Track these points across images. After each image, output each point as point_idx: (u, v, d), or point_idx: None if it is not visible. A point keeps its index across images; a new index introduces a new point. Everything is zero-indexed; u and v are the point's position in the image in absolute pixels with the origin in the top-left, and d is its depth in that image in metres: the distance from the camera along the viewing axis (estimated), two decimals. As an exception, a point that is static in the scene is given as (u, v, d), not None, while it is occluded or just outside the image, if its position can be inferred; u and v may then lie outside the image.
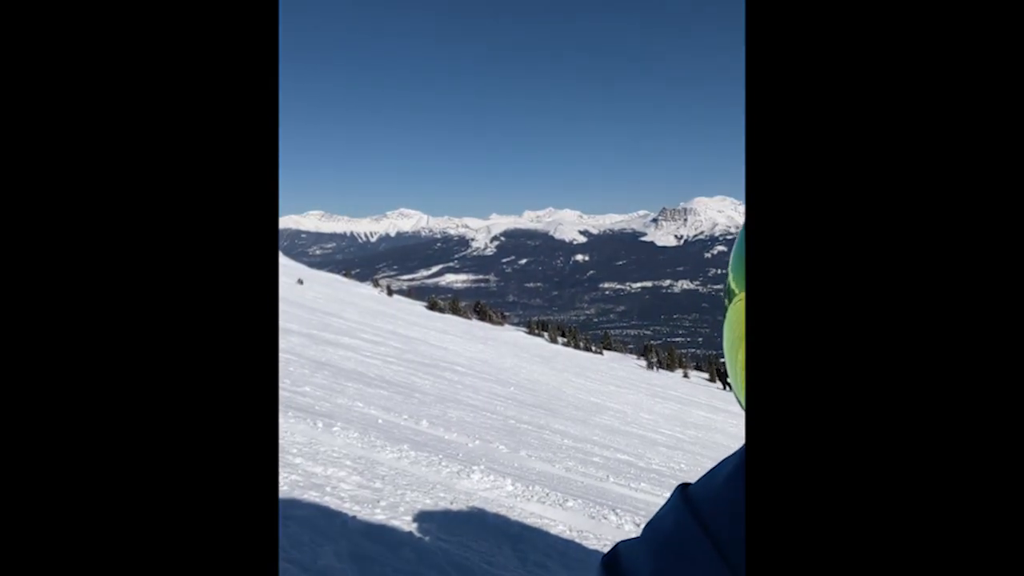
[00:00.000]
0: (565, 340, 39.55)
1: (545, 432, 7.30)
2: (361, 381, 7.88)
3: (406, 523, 3.12)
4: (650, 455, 7.45)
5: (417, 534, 3.02)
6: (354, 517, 3.04)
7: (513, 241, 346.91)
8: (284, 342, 9.76)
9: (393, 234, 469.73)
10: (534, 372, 16.52)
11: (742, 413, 0.47)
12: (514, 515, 3.64)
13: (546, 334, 40.18)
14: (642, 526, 0.47)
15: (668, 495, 0.47)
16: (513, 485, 4.25)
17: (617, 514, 4.06)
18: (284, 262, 46.82)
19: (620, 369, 28.04)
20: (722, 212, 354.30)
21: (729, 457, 0.45)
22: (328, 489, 3.36)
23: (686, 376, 33.80)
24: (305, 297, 23.45)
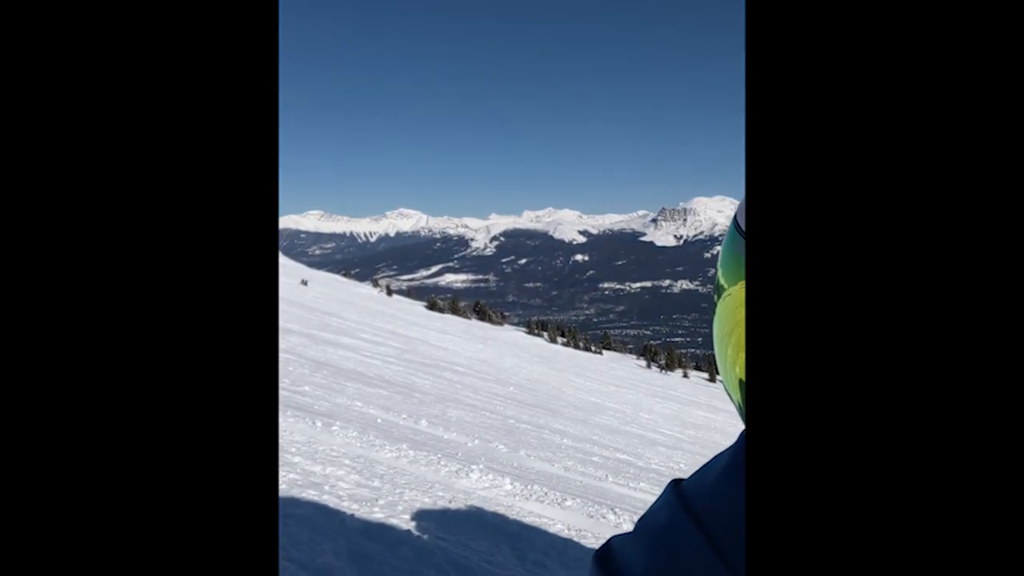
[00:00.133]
0: (565, 340, 39.54)
1: (544, 432, 7.30)
2: (360, 381, 7.88)
3: (405, 522, 3.12)
4: (649, 455, 7.45)
5: (416, 533, 3.02)
6: (353, 516, 3.04)
7: (513, 241, 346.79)
8: (284, 342, 9.75)
9: (392, 234, 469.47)
10: (534, 372, 16.51)
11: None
12: (513, 514, 3.64)
13: (546, 334, 40.17)
14: None
15: None
16: (512, 484, 4.25)
17: (616, 513, 4.06)
18: (285, 263, 46.81)
19: (620, 369, 28.03)
20: (721, 212, 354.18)
21: (722, 453, 0.45)
22: (327, 488, 3.36)
23: (685, 376, 33.79)
24: (305, 297, 23.44)
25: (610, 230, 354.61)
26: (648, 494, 5.12)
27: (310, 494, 3.20)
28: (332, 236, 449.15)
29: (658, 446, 8.43)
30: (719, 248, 0.49)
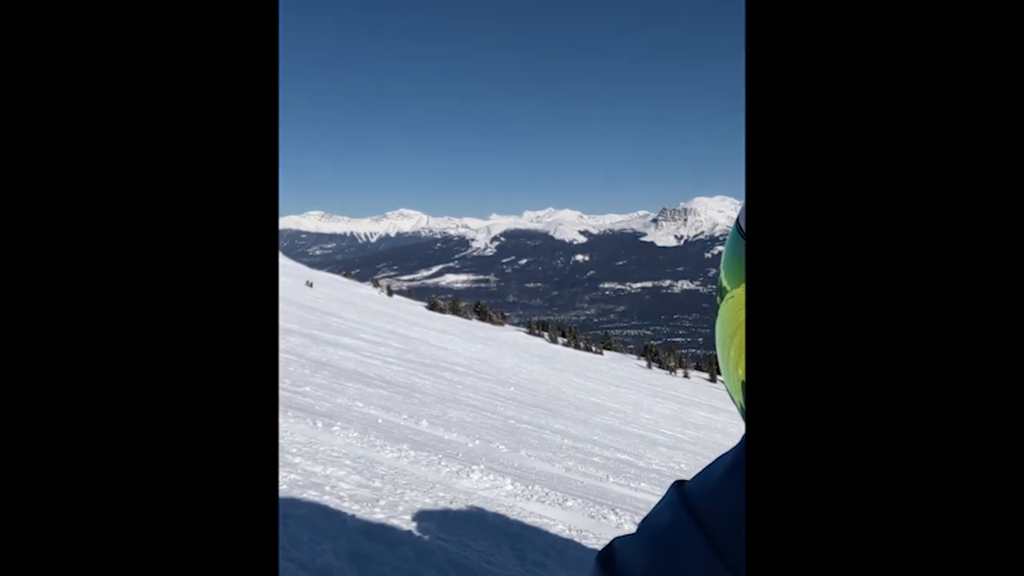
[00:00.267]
0: (565, 340, 39.54)
1: (545, 432, 7.30)
2: (361, 381, 7.88)
3: (405, 522, 3.12)
4: (650, 455, 7.45)
5: (416, 533, 3.02)
6: (353, 516, 3.04)
7: (513, 241, 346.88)
8: (284, 342, 9.76)
9: (393, 234, 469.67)
10: (534, 372, 16.51)
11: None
12: (513, 514, 3.64)
13: (546, 334, 40.17)
14: None
15: None
16: (513, 485, 4.25)
17: (617, 513, 4.06)
18: (288, 264, 46.81)
19: (620, 369, 28.04)
20: (722, 212, 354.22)
21: (724, 454, 0.45)
22: (327, 488, 3.36)
23: (686, 376, 33.79)
24: (305, 297, 23.44)
25: (611, 230, 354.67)
26: (649, 494, 5.12)
27: (311, 494, 3.20)
28: (333, 236, 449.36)
29: (659, 446, 8.43)
30: (720, 248, 0.49)
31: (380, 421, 5.64)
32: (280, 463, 3.56)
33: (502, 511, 3.67)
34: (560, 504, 4.05)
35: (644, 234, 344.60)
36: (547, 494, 4.19)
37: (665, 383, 25.23)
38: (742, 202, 0.44)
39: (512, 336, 34.34)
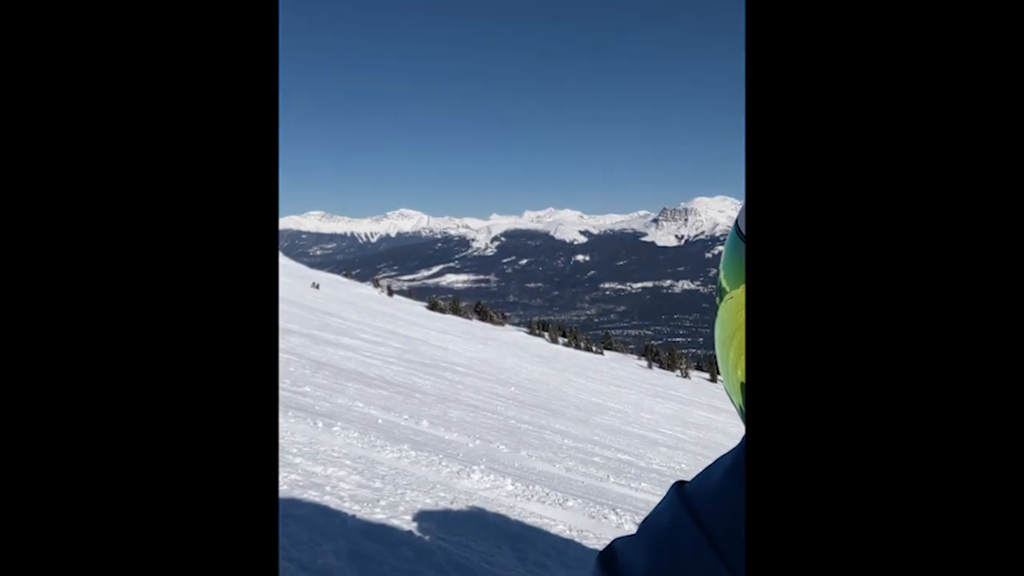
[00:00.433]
0: (566, 340, 39.53)
1: (545, 432, 7.30)
2: (361, 381, 7.88)
3: (406, 522, 3.12)
4: (651, 455, 7.45)
5: (416, 533, 3.02)
6: (354, 516, 3.04)
7: (513, 241, 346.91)
8: (284, 342, 9.76)
9: (393, 234, 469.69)
10: (535, 372, 16.51)
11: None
12: (514, 515, 3.64)
13: (547, 334, 40.16)
14: None
15: None
16: (513, 485, 4.25)
17: (617, 514, 4.06)
18: (289, 264, 46.80)
19: (621, 369, 28.04)
20: (723, 212, 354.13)
21: (725, 454, 0.45)
22: (328, 488, 3.36)
23: (686, 376, 33.79)
24: (305, 297, 23.45)
25: (611, 230, 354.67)
26: (649, 494, 5.12)
27: (311, 495, 3.20)
28: (333, 236, 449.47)
29: (659, 446, 8.43)
30: (720, 248, 0.49)
31: (380, 421, 5.64)
32: (281, 463, 3.56)
33: (503, 511, 3.67)
34: (561, 504, 4.05)
35: (645, 234, 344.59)
36: (548, 494, 4.19)
37: (666, 383, 25.23)
38: (743, 202, 0.44)
39: (512, 336, 34.34)
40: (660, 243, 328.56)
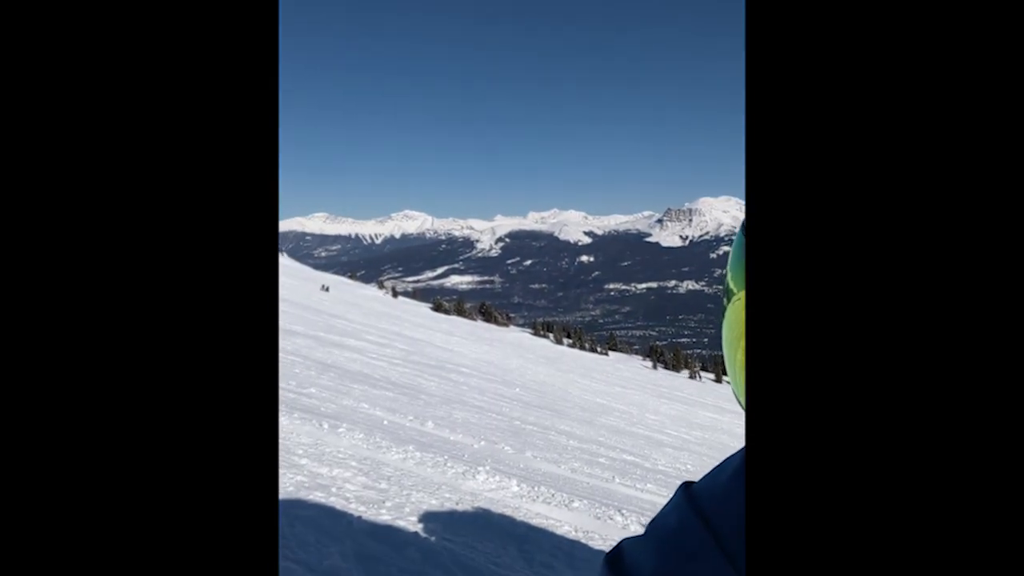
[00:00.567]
0: (570, 341, 39.52)
1: (551, 433, 7.30)
2: (367, 382, 7.89)
3: (411, 523, 3.13)
4: (656, 456, 7.43)
5: (422, 534, 3.02)
6: (360, 517, 3.04)
7: (518, 242, 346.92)
8: (290, 343, 9.78)
9: (398, 236, 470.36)
10: (539, 373, 16.51)
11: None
12: (520, 515, 3.64)
13: (551, 335, 40.15)
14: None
15: None
16: (519, 486, 4.25)
17: (623, 514, 4.05)
18: (296, 267, 46.84)
19: (625, 370, 28.00)
20: (727, 212, 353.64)
21: (732, 455, 0.45)
22: (334, 490, 3.37)
23: (697, 378, 33.73)
24: (311, 299, 23.50)
25: (615, 231, 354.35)
26: (655, 495, 5.11)
27: (317, 496, 3.21)
28: (337, 238, 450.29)
29: (665, 447, 8.41)
30: (725, 249, 0.49)
31: (386, 422, 5.64)
32: (287, 464, 3.56)
33: (508, 512, 3.66)
34: (566, 505, 4.04)
35: (649, 235, 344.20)
36: (553, 495, 4.19)
37: (671, 384, 25.19)
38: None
39: (517, 337, 34.34)
40: (664, 244, 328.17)
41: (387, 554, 2.68)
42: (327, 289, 30.46)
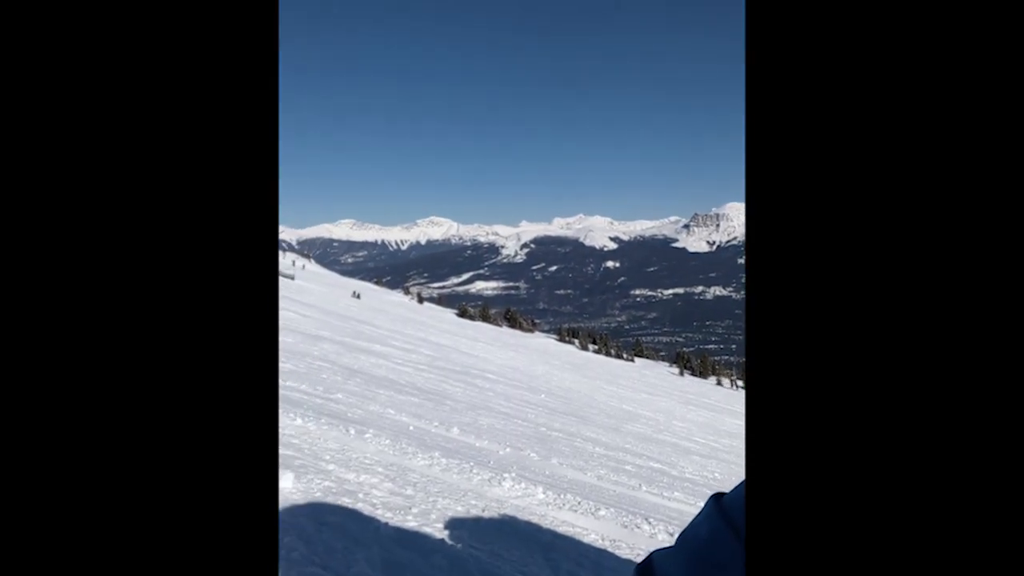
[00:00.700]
0: (596, 347, 39.33)
1: (576, 440, 7.26)
2: (392, 388, 7.94)
3: (438, 530, 3.13)
4: (683, 464, 7.36)
5: (449, 541, 3.03)
6: (386, 524, 3.06)
7: (543, 248, 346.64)
8: (317, 349, 9.88)
9: (423, 242, 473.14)
10: (565, 379, 16.45)
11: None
12: (546, 523, 3.63)
13: (577, 341, 40.00)
14: (676, 536, 0.47)
15: (702, 504, 0.46)
16: (544, 493, 4.23)
17: (650, 523, 4.01)
18: (324, 273, 47.32)
19: (652, 376, 27.78)
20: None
21: None
22: (360, 496, 3.39)
23: (719, 384, 33.35)
24: (338, 305, 23.73)
25: (641, 236, 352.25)
26: (683, 504, 5.05)
27: (344, 501, 3.23)
28: (364, 244, 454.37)
29: (692, 455, 8.32)
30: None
31: (411, 428, 5.66)
32: (314, 470, 3.59)
33: (534, 520, 3.65)
34: (593, 513, 4.02)
35: (676, 240, 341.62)
36: (579, 503, 4.16)
37: (698, 391, 24.93)
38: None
39: (542, 343, 34.28)
40: (692, 249, 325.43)
41: (414, 561, 2.69)
42: (358, 296, 30.74)
